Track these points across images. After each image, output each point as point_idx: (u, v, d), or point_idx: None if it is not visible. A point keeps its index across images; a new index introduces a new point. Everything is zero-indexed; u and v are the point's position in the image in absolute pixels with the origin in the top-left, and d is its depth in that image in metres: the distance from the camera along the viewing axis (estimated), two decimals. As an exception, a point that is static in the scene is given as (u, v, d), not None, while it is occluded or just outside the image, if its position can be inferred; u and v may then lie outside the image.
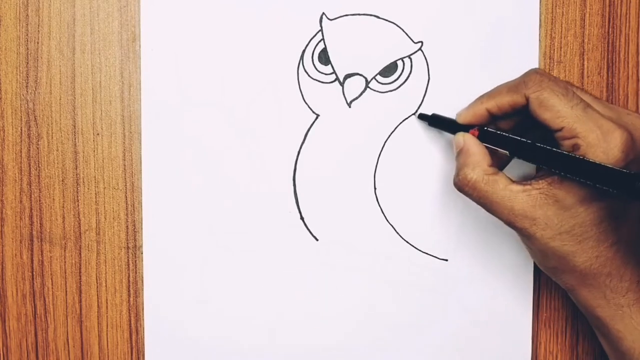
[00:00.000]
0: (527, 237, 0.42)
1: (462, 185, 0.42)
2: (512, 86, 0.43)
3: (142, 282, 0.48)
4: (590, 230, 0.41)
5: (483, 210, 0.48)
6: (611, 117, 0.40)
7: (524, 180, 0.42)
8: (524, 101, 0.42)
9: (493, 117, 0.44)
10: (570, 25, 0.48)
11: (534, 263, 0.49)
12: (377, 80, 0.48)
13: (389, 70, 0.48)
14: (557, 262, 0.42)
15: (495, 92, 0.44)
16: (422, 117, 0.48)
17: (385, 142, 0.48)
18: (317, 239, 0.48)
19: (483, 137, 0.44)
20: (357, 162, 0.48)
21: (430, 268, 0.49)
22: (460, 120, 0.45)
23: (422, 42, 0.48)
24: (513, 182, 0.42)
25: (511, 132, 0.43)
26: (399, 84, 0.48)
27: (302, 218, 0.48)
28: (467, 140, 0.43)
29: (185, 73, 0.47)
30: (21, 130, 0.47)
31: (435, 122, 0.47)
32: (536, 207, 0.41)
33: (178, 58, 0.47)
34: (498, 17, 0.48)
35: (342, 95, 0.48)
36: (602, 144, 0.39)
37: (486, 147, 0.43)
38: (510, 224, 0.42)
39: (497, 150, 0.43)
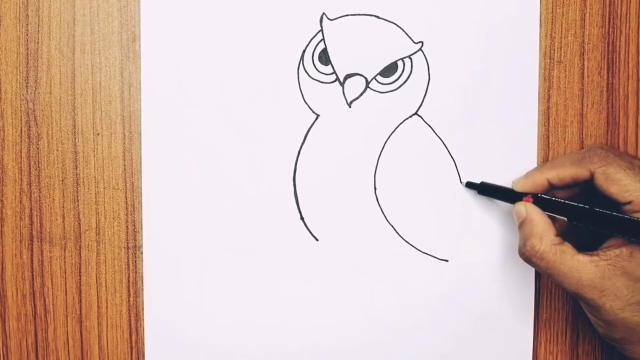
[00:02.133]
0: (595, 308, 0.42)
1: (530, 256, 0.43)
2: (575, 160, 0.43)
3: (142, 282, 0.48)
4: None
5: (483, 211, 0.49)
6: None
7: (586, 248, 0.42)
8: (589, 175, 0.42)
9: (551, 187, 0.44)
10: (571, 25, 0.48)
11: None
12: (377, 81, 0.48)
13: (389, 70, 0.48)
14: (625, 332, 0.41)
15: (557, 163, 0.44)
16: (470, 185, 0.48)
17: (386, 142, 0.48)
18: (317, 239, 0.48)
19: (538, 204, 0.44)
20: (357, 162, 0.48)
21: (430, 268, 0.49)
22: (519, 189, 0.45)
23: (422, 42, 0.48)
24: (580, 252, 0.42)
25: (568, 199, 0.44)
26: (399, 84, 0.48)
27: (302, 218, 0.48)
28: (530, 209, 0.44)
29: (185, 73, 0.47)
30: (21, 130, 0.47)
31: (484, 190, 0.47)
32: (604, 278, 0.41)
33: (178, 58, 0.47)
34: (498, 17, 0.48)
35: (343, 96, 0.48)
36: None
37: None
38: (577, 294, 0.42)
39: (555, 217, 0.44)
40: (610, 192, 0.41)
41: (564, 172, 0.43)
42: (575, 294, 0.42)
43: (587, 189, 0.44)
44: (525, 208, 0.44)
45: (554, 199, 0.44)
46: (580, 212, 0.43)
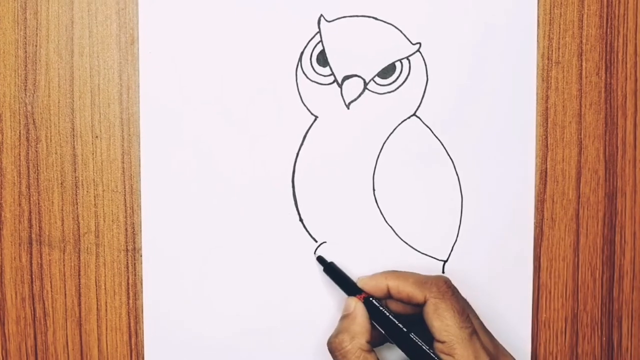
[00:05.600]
0: None
1: (334, 349, 0.43)
2: (418, 281, 0.44)
3: (142, 284, 0.48)
4: None
5: (482, 211, 0.49)
6: (490, 353, 0.42)
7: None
8: (422, 300, 0.43)
9: (389, 295, 0.45)
10: (569, 25, 0.48)
11: (533, 263, 0.49)
12: (375, 82, 0.48)
13: (387, 71, 0.48)
14: None
15: (402, 276, 0.45)
16: (320, 260, 0.48)
17: (384, 143, 0.48)
18: (316, 241, 0.48)
19: (367, 306, 0.44)
20: (356, 164, 0.48)
21: (429, 269, 0.49)
22: (360, 285, 0.46)
23: (420, 43, 0.48)
24: None
25: (396, 315, 0.44)
26: (397, 85, 0.48)
27: (301, 220, 0.48)
28: (358, 308, 0.44)
29: (183, 75, 0.47)
30: (20, 133, 0.47)
31: (330, 271, 0.47)
32: None
33: (176, 60, 0.47)
34: (496, 18, 0.48)
35: (341, 97, 0.48)
36: None
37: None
38: None
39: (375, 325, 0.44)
40: (432, 325, 0.42)
41: (404, 287, 0.44)
42: None
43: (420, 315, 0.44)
44: (355, 305, 0.44)
45: (381, 308, 0.44)
46: (397, 332, 0.43)
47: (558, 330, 0.50)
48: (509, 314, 0.49)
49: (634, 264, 0.50)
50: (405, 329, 0.43)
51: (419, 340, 0.42)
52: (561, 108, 0.49)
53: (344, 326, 0.44)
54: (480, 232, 0.49)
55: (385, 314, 0.44)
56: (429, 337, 0.43)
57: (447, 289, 0.43)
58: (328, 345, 0.44)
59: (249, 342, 0.49)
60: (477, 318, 0.44)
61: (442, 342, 0.42)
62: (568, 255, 0.49)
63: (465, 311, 0.43)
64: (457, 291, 0.44)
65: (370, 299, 0.45)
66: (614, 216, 0.49)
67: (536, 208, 0.49)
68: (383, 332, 0.44)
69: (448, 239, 0.49)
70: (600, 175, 0.49)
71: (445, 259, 0.49)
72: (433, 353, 0.42)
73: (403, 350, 0.43)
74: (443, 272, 0.49)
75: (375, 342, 0.44)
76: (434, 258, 0.49)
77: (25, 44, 0.47)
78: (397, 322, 0.43)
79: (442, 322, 0.42)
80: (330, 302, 0.49)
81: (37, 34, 0.47)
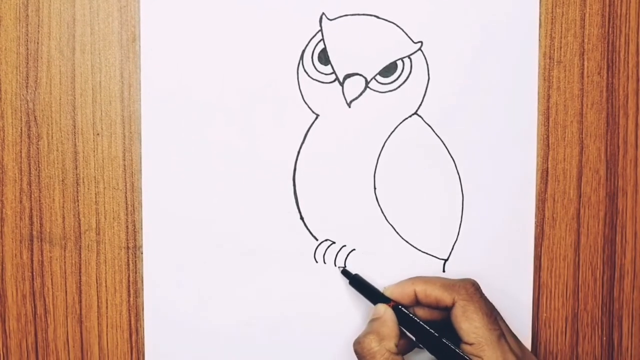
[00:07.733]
0: None
1: (361, 350, 0.43)
2: (446, 284, 0.44)
3: (142, 282, 0.48)
4: None
5: (483, 210, 0.49)
6: (517, 356, 0.42)
7: None
8: (451, 303, 0.43)
9: (417, 301, 0.45)
10: (570, 25, 0.48)
11: (534, 263, 0.49)
12: (377, 80, 0.48)
13: (388, 70, 0.48)
14: None
15: (429, 280, 0.46)
16: (345, 273, 0.48)
17: (385, 142, 0.48)
18: (317, 239, 0.48)
19: (397, 313, 0.45)
20: (357, 162, 0.48)
21: (430, 268, 0.49)
22: (387, 294, 0.46)
23: (421, 42, 0.48)
24: None
25: (424, 321, 0.45)
26: (398, 84, 0.48)
27: (302, 218, 0.48)
28: (388, 313, 0.45)
29: (185, 73, 0.47)
30: (21, 130, 0.47)
31: (356, 283, 0.47)
32: None
33: (178, 58, 0.47)
34: (498, 17, 0.48)
35: (342, 95, 0.48)
36: None
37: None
38: None
39: (407, 335, 0.44)
40: (460, 327, 0.43)
41: (431, 290, 0.44)
42: None
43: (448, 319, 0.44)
44: (385, 310, 0.45)
45: (410, 314, 0.45)
46: (427, 337, 0.43)
47: (558, 330, 0.50)
48: (510, 313, 0.49)
49: (634, 264, 0.50)
50: (437, 334, 0.43)
51: (451, 344, 0.43)
52: (562, 107, 0.49)
53: (373, 328, 0.44)
54: (481, 231, 0.49)
55: (415, 320, 0.44)
56: (456, 341, 0.43)
57: (475, 291, 0.44)
58: (355, 346, 0.44)
59: (249, 340, 0.49)
60: (504, 321, 0.44)
61: (471, 344, 0.42)
62: (569, 254, 0.49)
63: (493, 313, 0.43)
64: (484, 294, 0.44)
65: (399, 306, 0.45)
66: (615, 216, 0.49)
67: (537, 207, 0.49)
68: (413, 337, 0.44)
69: (449, 237, 0.49)
70: (602, 174, 0.49)
71: (446, 257, 0.49)
72: (466, 355, 0.42)
73: (434, 355, 0.43)
74: (444, 271, 0.49)
75: (401, 350, 0.44)
76: (435, 257, 0.49)
77: (27, 41, 0.47)
78: (427, 328, 0.44)
79: (471, 324, 0.42)
80: (330, 300, 0.49)
81: (38, 31, 0.47)
